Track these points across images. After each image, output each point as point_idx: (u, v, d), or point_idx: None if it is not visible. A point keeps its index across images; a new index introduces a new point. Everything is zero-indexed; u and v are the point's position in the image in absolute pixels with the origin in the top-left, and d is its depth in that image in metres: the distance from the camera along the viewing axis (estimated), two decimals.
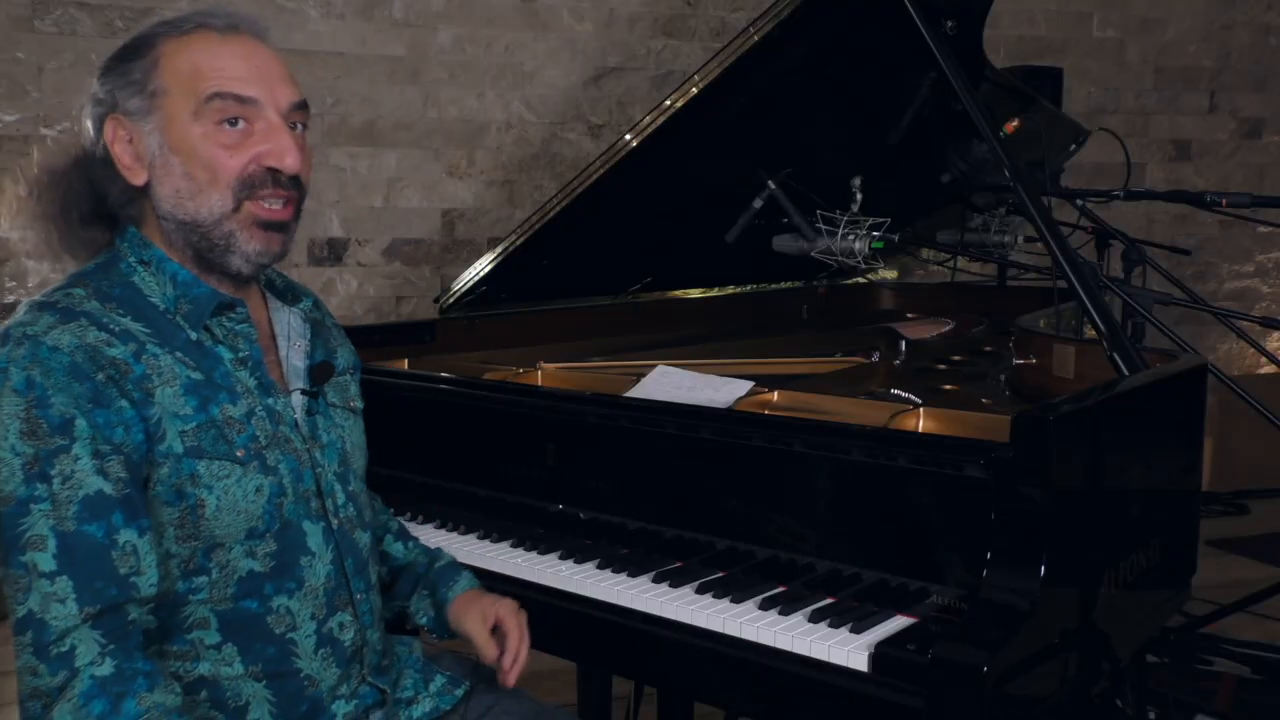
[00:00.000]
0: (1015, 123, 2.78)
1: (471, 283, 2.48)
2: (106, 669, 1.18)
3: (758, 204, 2.30)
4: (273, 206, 1.35)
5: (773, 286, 3.23)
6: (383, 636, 1.49)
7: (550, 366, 2.16)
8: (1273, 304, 5.87)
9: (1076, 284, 1.77)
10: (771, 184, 2.27)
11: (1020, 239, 3.09)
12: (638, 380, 1.97)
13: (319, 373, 1.46)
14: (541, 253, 2.45)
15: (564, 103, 4.54)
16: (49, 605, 1.18)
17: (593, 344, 2.52)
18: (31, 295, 1.33)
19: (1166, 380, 1.75)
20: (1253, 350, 4.27)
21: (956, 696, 1.28)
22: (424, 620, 1.62)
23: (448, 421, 2.04)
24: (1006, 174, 1.94)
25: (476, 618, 1.55)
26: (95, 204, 1.38)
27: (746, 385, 1.88)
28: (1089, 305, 1.75)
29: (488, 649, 1.53)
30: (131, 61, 1.34)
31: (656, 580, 1.63)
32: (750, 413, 1.80)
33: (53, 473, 1.19)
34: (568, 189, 2.35)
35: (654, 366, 2.01)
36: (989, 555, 1.39)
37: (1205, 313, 2.53)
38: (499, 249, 2.44)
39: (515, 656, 1.53)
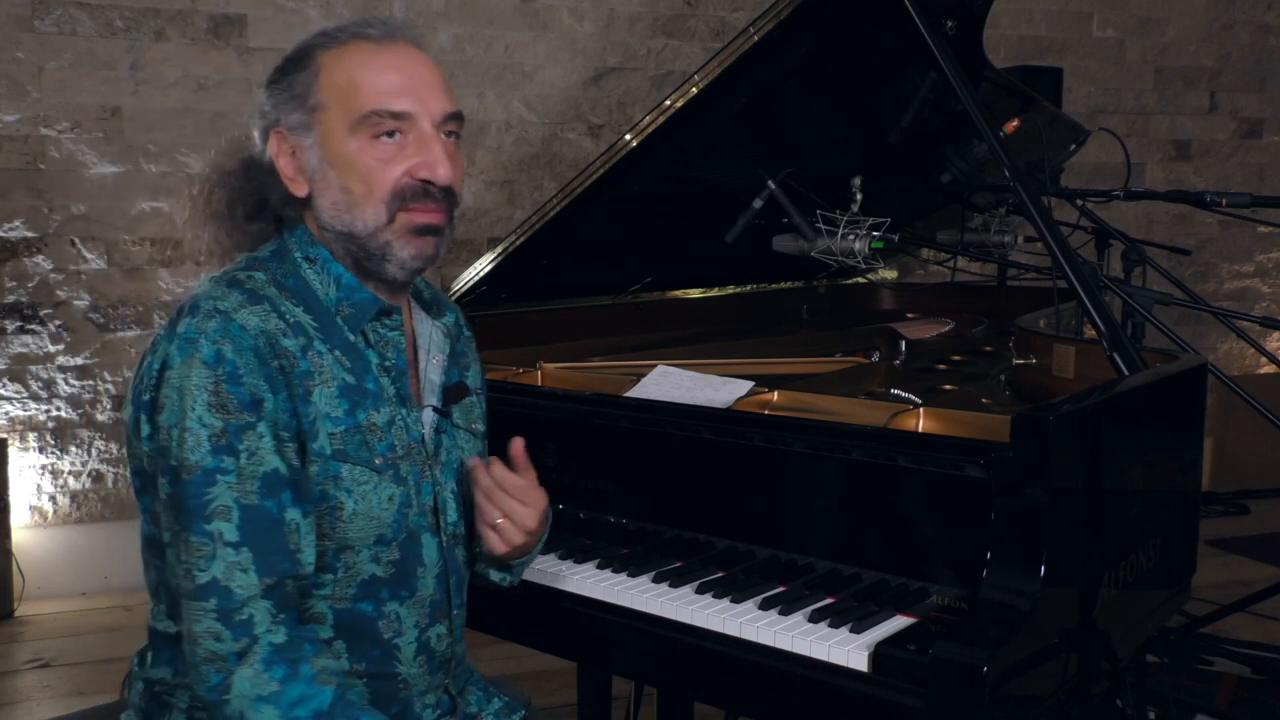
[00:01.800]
0: (1015, 123, 2.78)
1: (471, 283, 2.47)
2: (281, 636, 1.23)
3: (758, 204, 2.30)
4: (429, 212, 1.36)
5: (773, 286, 3.23)
6: (464, 648, 1.53)
7: (550, 366, 2.16)
8: (1273, 304, 5.87)
9: (1076, 284, 1.77)
10: (771, 184, 2.27)
11: (1020, 239, 3.09)
12: (638, 380, 1.97)
13: (452, 393, 1.48)
14: (541, 253, 2.45)
15: (564, 103, 4.54)
16: (233, 574, 1.22)
17: (593, 344, 2.52)
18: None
19: (1166, 380, 1.75)
20: (1253, 350, 4.27)
21: (956, 696, 1.28)
22: None
23: None
24: (1006, 174, 1.94)
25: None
26: (259, 203, 1.41)
27: (746, 385, 1.88)
28: (1089, 305, 1.75)
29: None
30: (293, 75, 1.37)
31: (656, 580, 1.63)
32: (750, 413, 1.80)
33: (240, 447, 1.23)
34: (568, 189, 2.35)
35: (654, 366, 2.01)
36: (989, 555, 1.39)
37: (1205, 313, 2.53)
38: (499, 249, 2.44)
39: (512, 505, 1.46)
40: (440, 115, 1.36)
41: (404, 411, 1.39)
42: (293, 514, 1.26)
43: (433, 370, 1.47)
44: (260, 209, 1.42)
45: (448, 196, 1.37)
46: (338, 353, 1.34)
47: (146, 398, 1.28)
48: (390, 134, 1.33)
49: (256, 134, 1.39)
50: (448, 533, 1.45)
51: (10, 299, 3.92)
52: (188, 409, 1.23)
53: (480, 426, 1.56)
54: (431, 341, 1.49)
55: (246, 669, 1.21)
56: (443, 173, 1.34)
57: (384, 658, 1.37)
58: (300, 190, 1.37)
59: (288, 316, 1.31)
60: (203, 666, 1.22)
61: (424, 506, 1.40)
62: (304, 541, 1.27)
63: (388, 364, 1.39)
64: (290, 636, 1.23)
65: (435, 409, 1.45)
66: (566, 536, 1.82)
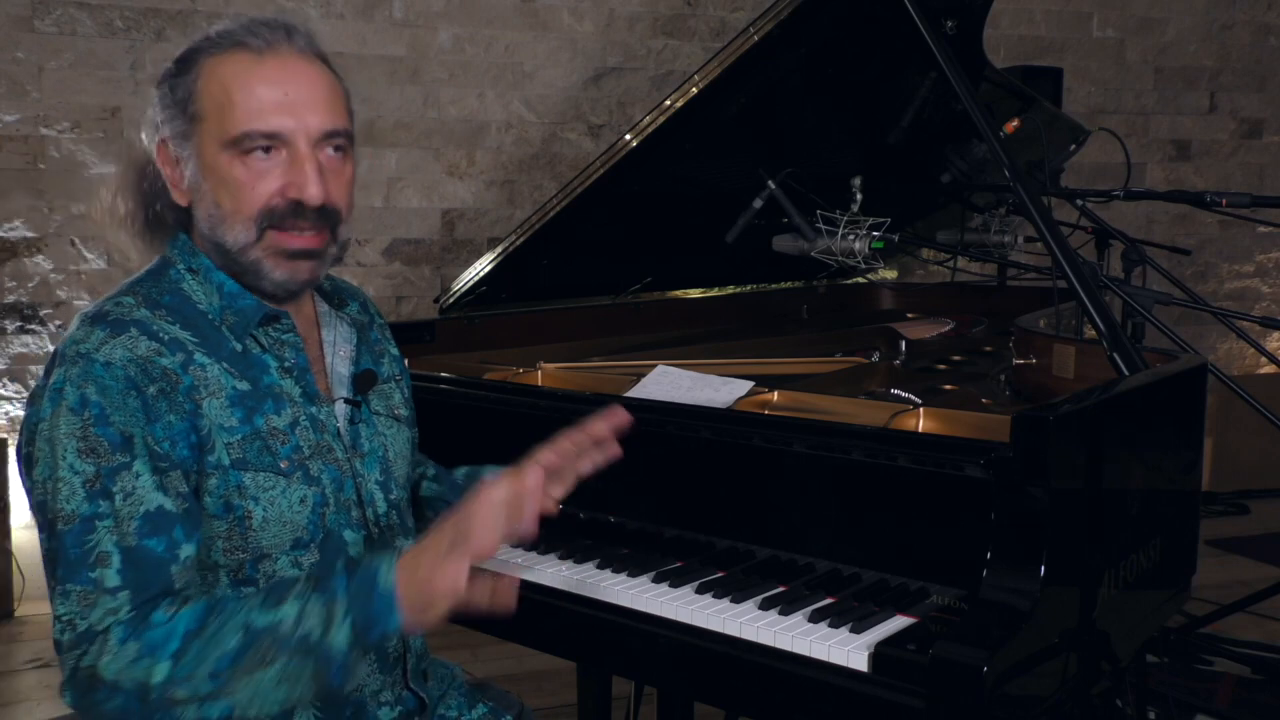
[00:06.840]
0: (1015, 123, 2.78)
1: (471, 283, 2.48)
2: (125, 615, 1.19)
3: (758, 204, 2.30)
4: (301, 235, 1.33)
5: (773, 286, 3.23)
6: (424, 643, 1.50)
7: (550, 366, 2.16)
8: (1273, 304, 5.87)
9: (1076, 284, 1.77)
10: (771, 184, 2.27)
11: (1020, 239, 3.09)
12: (638, 380, 1.97)
13: (362, 381, 1.45)
14: (541, 253, 2.45)
15: (564, 103, 4.54)
16: (105, 619, 1.18)
17: (593, 344, 2.52)
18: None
19: (1166, 380, 1.75)
20: (1253, 350, 4.27)
21: (956, 696, 1.28)
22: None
23: (447, 421, 2.04)
24: (1006, 174, 1.94)
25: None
26: (158, 209, 1.39)
27: (746, 385, 1.88)
28: (1089, 305, 1.75)
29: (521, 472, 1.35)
30: (177, 79, 1.33)
31: (656, 580, 1.63)
32: (750, 413, 1.80)
33: (115, 489, 1.20)
34: (568, 189, 2.35)
35: (654, 366, 2.01)
36: (989, 555, 1.39)
37: (1205, 313, 2.53)
38: (499, 249, 2.44)
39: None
40: (319, 133, 1.32)
41: (313, 409, 1.37)
42: (187, 550, 1.23)
43: (339, 363, 1.45)
44: (160, 216, 1.39)
45: (324, 216, 1.33)
46: (224, 364, 1.31)
47: (26, 451, 1.26)
48: (265, 149, 1.30)
49: (144, 138, 1.36)
50: (378, 524, 1.42)
51: (10, 299, 3.92)
52: (59, 458, 1.20)
53: (404, 411, 1.53)
54: (336, 333, 1.47)
55: (106, 658, 1.16)
56: (313, 193, 1.31)
57: None
58: (182, 200, 1.34)
59: (162, 335, 1.27)
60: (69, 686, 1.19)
61: (344, 502, 1.37)
62: (193, 575, 1.25)
63: (288, 365, 1.36)
64: (134, 613, 1.19)
65: (347, 400, 1.43)
66: (567, 537, 1.82)
